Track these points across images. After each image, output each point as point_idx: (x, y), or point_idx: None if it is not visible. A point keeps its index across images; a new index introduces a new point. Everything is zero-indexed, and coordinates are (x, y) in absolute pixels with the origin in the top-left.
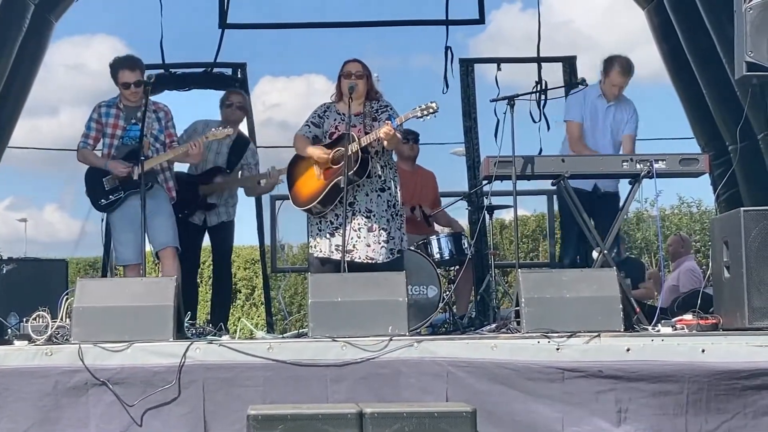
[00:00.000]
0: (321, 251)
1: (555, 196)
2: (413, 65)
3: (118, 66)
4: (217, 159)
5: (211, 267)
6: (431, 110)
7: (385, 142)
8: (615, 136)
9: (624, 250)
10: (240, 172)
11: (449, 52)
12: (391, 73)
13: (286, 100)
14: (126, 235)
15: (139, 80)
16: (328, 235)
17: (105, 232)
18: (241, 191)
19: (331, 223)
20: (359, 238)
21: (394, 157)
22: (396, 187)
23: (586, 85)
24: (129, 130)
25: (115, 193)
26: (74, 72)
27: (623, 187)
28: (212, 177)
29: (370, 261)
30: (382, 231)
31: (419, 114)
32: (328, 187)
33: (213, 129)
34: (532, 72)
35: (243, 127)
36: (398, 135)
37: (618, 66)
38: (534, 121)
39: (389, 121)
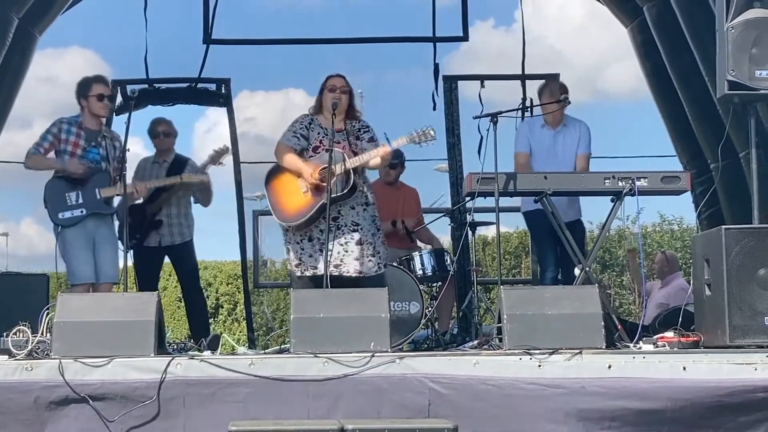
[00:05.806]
0: (308, 270)
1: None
2: (388, 81)
3: (91, 81)
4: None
5: (180, 288)
6: (429, 137)
7: (378, 160)
8: (565, 161)
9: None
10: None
11: (437, 69)
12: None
13: (264, 115)
14: (85, 253)
15: (112, 95)
16: (316, 252)
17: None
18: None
19: (318, 240)
20: (347, 252)
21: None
22: (374, 204)
23: (568, 103)
24: (89, 151)
25: (76, 209)
26: (47, 84)
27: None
28: (156, 197)
29: (359, 275)
30: (369, 244)
31: (416, 140)
32: (318, 205)
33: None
34: (511, 89)
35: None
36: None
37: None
38: None
39: (386, 143)
